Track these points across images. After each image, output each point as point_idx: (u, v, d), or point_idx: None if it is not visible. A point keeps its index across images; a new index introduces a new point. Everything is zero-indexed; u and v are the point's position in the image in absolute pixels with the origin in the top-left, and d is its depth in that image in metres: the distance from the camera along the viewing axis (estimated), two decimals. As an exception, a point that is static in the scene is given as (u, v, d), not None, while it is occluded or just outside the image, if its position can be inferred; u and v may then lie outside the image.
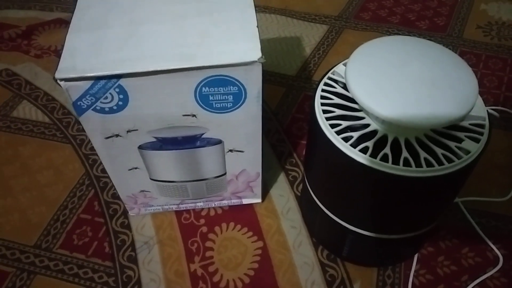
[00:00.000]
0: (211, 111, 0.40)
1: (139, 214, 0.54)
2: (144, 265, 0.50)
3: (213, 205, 0.54)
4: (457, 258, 0.50)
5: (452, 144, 0.36)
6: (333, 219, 0.44)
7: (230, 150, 0.45)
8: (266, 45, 0.77)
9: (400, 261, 0.50)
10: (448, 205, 0.43)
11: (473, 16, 0.82)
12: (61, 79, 0.35)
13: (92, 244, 0.52)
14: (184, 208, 0.54)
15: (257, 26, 0.39)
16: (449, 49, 0.37)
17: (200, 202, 0.53)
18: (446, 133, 0.37)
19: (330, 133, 0.37)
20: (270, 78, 0.71)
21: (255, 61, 0.36)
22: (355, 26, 0.80)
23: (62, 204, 0.56)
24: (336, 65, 0.42)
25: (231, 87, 0.38)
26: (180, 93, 0.38)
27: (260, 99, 0.39)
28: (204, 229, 0.53)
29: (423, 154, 0.35)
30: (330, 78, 0.41)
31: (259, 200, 0.55)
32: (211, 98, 0.38)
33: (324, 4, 0.86)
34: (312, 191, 0.46)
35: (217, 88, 0.38)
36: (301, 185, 0.57)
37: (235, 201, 0.54)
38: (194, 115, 0.40)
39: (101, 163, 0.58)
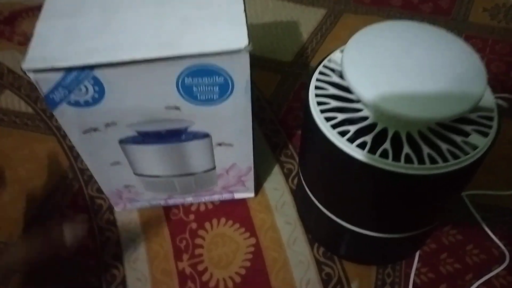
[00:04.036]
0: (195, 104, 0.37)
1: (125, 209, 0.52)
2: (129, 263, 0.48)
3: (203, 200, 0.52)
4: (461, 256, 0.48)
5: (458, 139, 0.33)
6: (329, 217, 0.42)
7: (219, 144, 0.42)
8: (261, 30, 0.74)
9: (401, 259, 0.48)
10: (453, 203, 0.40)
11: (479, -2, 0.78)
12: (30, 70, 0.32)
13: (76, 241, 0.50)
14: (173, 203, 0.52)
15: (244, 11, 0.35)
16: (454, 33, 0.34)
17: (189, 197, 0.51)
18: (451, 126, 0.34)
19: (325, 127, 0.34)
20: (264, 64, 0.68)
21: (241, 49, 0.33)
22: (355, 10, 0.77)
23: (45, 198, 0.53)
24: (333, 51, 0.39)
25: (217, 77, 0.35)
26: (161, 85, 0.35)
27: (249, 90, 0.37)
28: (194, 225, 0.51)
29: (426, 150, 0.32)
30: (325, 66, 0.38)
31: (252, 195, 0.52)
32: (195, 89, 0.35)
33: (323, -15, 0.82)
34: (307, 188, 0.43)
35: (201, 78, 0.35)
36: (296, 178, 0.54)
37: (226, 196, 0.52)
38: (177, 108, 0.37)
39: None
